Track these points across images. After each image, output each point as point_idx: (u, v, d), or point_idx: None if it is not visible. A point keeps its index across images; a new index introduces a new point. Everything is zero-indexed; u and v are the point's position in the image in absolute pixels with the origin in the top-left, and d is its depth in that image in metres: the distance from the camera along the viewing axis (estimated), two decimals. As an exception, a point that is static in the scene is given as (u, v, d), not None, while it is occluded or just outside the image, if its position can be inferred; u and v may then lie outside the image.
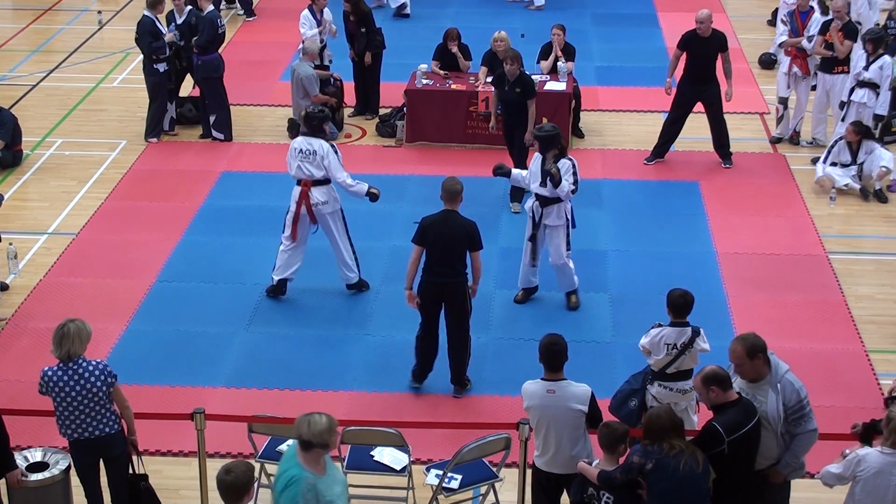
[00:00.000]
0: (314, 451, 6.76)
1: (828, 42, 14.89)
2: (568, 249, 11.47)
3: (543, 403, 7.94)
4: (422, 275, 10.18)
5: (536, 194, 11.43)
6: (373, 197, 11.62)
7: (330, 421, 6.78)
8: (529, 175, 11.57)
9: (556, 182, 11.11)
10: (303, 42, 15.83)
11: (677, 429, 7.29)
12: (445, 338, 10.36)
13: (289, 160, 11.53)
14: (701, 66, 14.57)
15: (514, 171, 11.86)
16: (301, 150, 11.41)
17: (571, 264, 11.56)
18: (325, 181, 11.45)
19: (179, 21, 15.40)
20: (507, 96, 13.56)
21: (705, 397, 7.49)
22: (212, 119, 15.43)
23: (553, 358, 7.96)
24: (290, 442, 8.84)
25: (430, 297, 10.18)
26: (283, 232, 11.62)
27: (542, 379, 8.02)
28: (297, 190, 11.48)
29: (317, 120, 11.52)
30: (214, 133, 15.46)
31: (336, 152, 11.45)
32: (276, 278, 11.72)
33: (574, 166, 11.28)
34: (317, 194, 11.42)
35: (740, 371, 7.60)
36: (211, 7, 15.32)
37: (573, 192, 11.30)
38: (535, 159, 11.51)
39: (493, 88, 14.04)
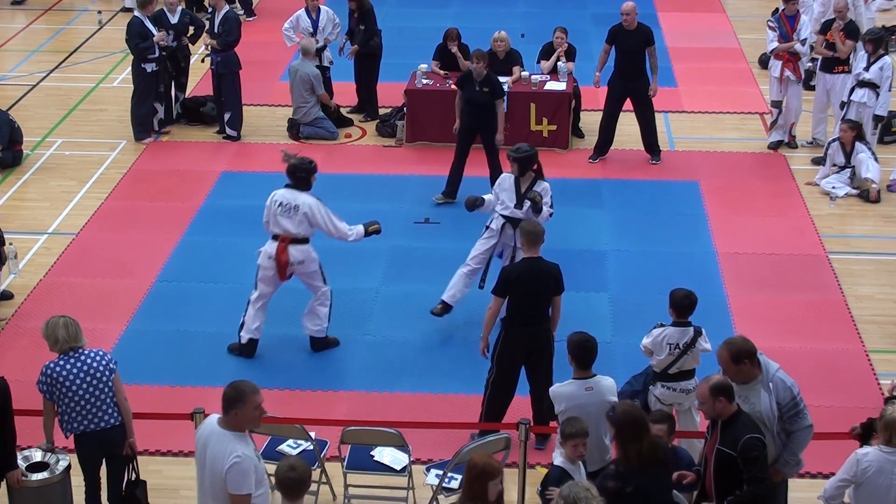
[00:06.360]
0: None
1: (828, 42, 14.87)
2: None
3: (584, 402, 7.91)
4: (506, 325, 9.34)
5: (507, 217, 10.82)
6: (375, 233, 10.72)
7: None
8: (496, 197, 10.97)
9: (538, 209, 10.67)
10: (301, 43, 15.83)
11: (646, 424, 7.07)
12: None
13: (266, 212, 10.47)
14: (628, 61, 14.57)
15: (486, 198, 11.09)
16: (281, 203, 10.35)
17: None
18: (303, 240, 10.48)
19: (174, 20, 15.42)
20: (476, 97, 13.28)
21: (710, 407, 7.18)
22: (227, 116, 15.47)
23: (587, 355, 8.00)
24: (290, 442, 8.90)
25: (518, 348, 9.33)
26: (255, 288, 10.72)
27: (574, 379, 8.02)
28: (271, 245, 10.51)
29: (304, 172, 10.37)
30: (228, 130, 15.49)
31: (323, 205, 10.41)
32: (246, 338, 10.80)
33: (550, 189, 10.86)
34: (294, 253, 10.42)
35: (727, 375, 7.58)
36: (227, 7, 15.40)
37: (550, 215, 10.81)
38: (505, 179, 10.96)
39: (458, 90, 13.67)
